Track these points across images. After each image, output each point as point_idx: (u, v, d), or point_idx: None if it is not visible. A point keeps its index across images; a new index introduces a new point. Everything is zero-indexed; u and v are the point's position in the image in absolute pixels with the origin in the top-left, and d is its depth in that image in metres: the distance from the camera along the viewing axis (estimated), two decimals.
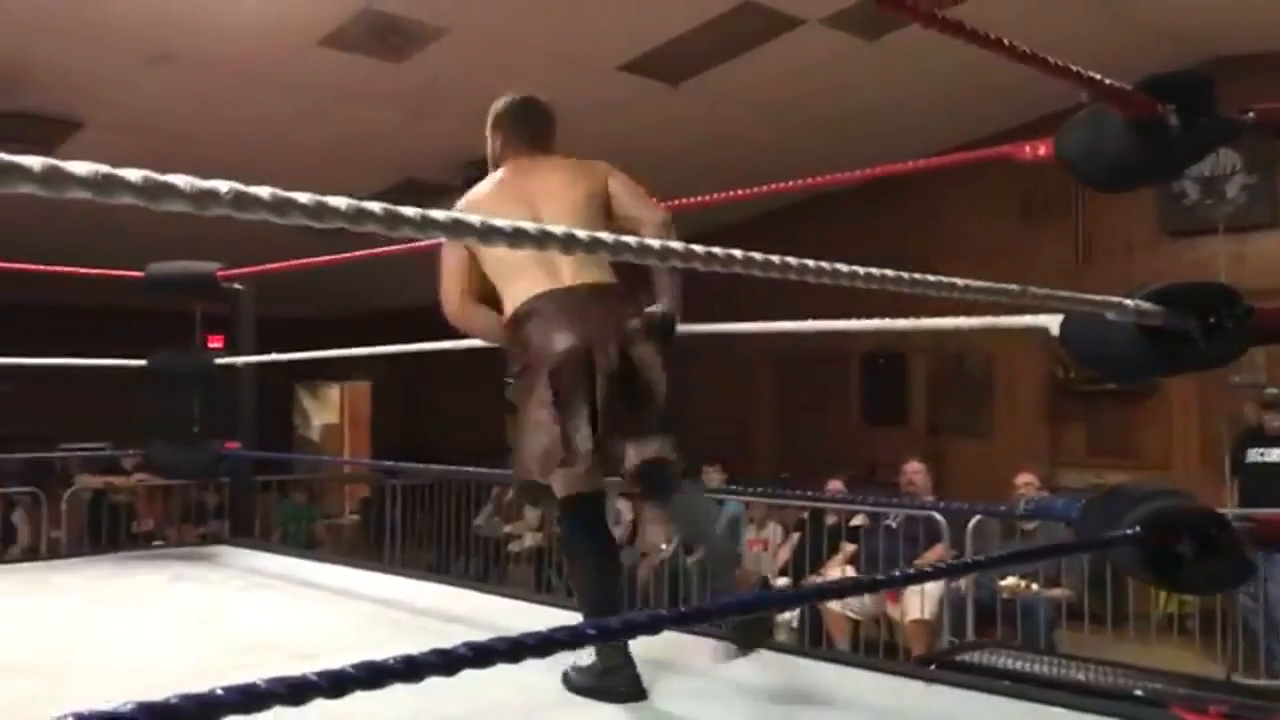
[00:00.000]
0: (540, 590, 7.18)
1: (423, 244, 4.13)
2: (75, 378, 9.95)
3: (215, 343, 6.39)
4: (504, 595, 3.93)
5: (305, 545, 8.50)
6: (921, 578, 3.72)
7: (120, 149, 6.90)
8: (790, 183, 3.19)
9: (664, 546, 7.18)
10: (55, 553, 6.16)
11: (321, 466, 12.94)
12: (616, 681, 2.34)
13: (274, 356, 5.18)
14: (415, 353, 4.76)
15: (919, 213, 8.46)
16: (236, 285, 4.86)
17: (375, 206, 0.95)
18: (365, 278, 10.60)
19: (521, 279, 2.42)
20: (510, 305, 2.44)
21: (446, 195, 8.03)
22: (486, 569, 8.37)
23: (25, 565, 4.63)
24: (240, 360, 4.91)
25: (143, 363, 4.81)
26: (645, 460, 2.32)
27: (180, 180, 0.82)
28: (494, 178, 2.59)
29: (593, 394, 2.29)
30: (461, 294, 2.54)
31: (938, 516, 5.33)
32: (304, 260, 4.48)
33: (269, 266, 4.62)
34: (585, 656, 2.38)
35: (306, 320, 10.90)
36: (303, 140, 7.16)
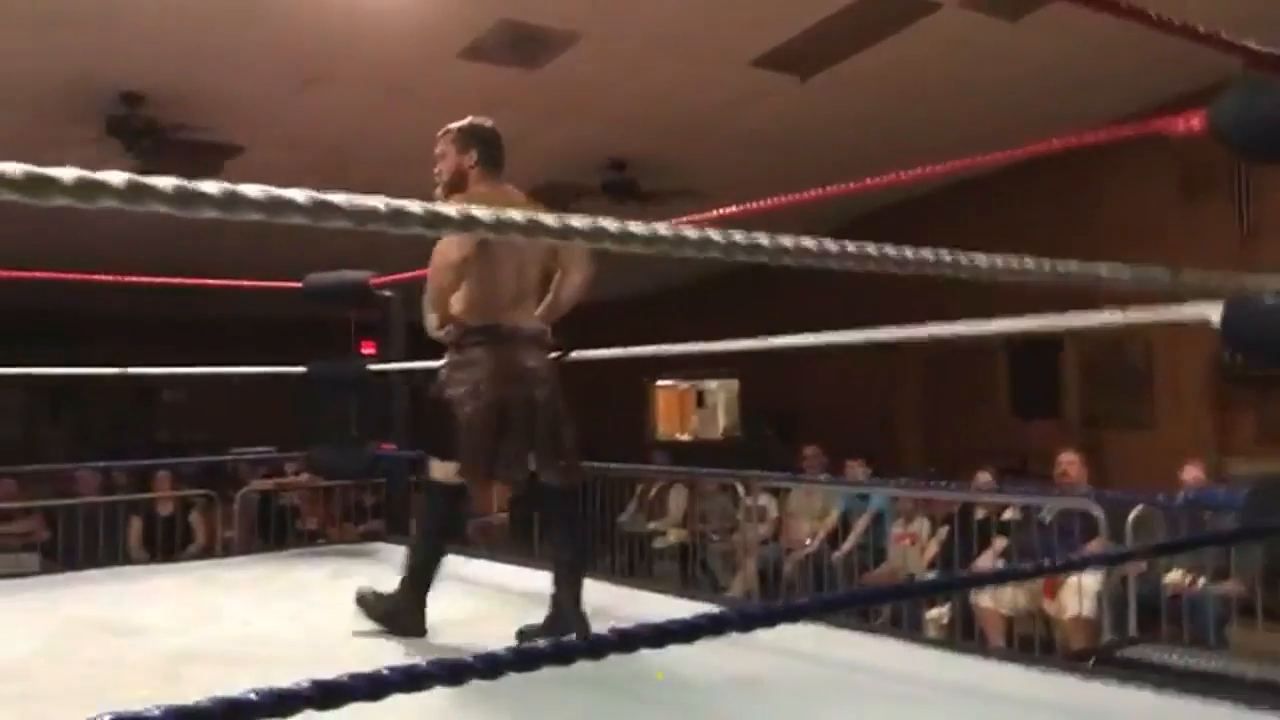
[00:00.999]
0: (686, 585, 7.22)
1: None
2: (242, 386, 10.52)
3: (368, 349, 6.67)
4: (652, 590, 3.98)
5: (459, 542, 8.75)
6: (1069, 568, 3.60)
7: (279, 169, 7.27)
8: (925, 169, 3.12)
9: (808, 542, 7.12)
10: (228, 551, 6.52)
11: None
12: (407, 621, 2.95)
13: (424, 364, 5.36)
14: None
15: (1070, 196, 8.15)
16: (387, 293, 5.06)
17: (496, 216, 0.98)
18: None
19: (493, 302, 2.89)
20: (474, 315, 2.89)
21: (586, 196, 8.22)
22: (632, 565, 8.45)
23: (203, 563, 4.91)
24: (392, 366, 5.11)
25: (302, 369, 5.07)
26: (544, 481, 2.95)
27: (341, 199, 0.88)
28: (479, 192, 2.90)
29: (521, 426, 2.85)
30: (440, 318, 2.93)
31: (1094, 509, 5.11)
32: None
33: (420, 272, 4.79)
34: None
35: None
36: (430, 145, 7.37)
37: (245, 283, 5.40)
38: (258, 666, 2.74)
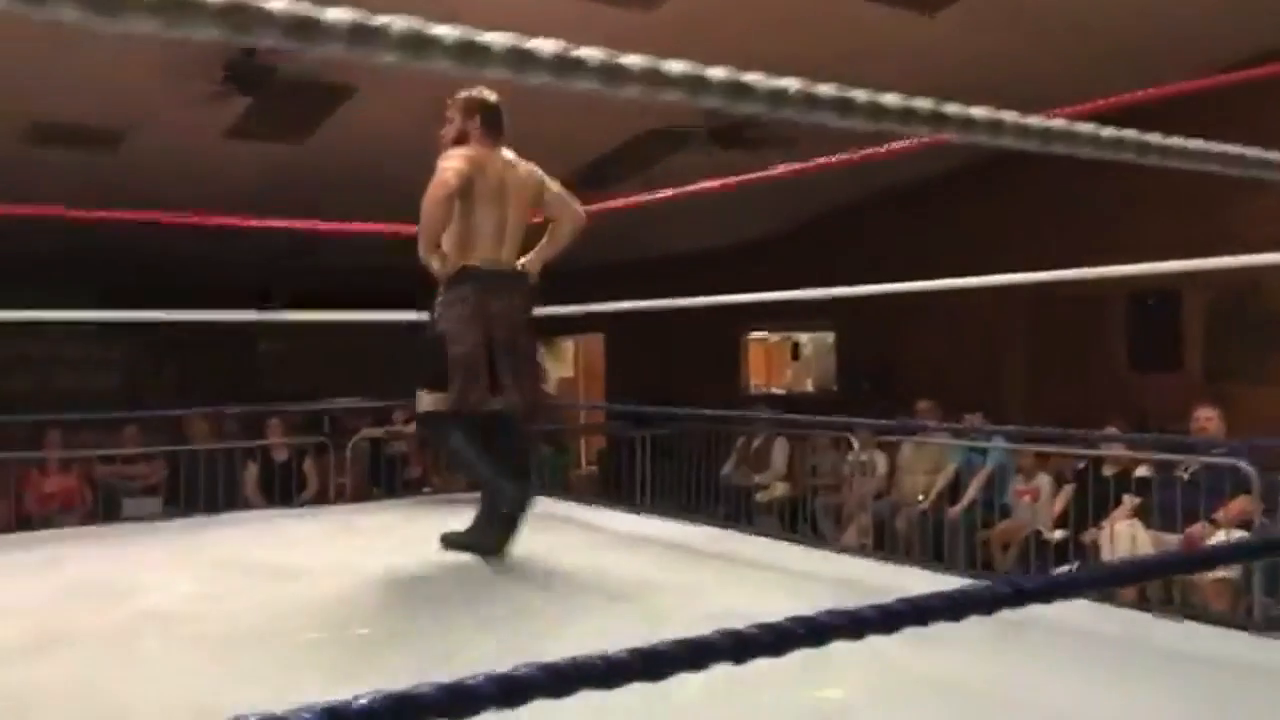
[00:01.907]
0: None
1: (656, 197, 4.13)
2: (337, 336, 10.57)
3: None
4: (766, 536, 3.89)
5: (562, 490, 8.75)
6: None
7: (389, 111, 7.21)
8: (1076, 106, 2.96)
9: (921, 498, 6.96)
10: (342, 497, 6.58)
11: (567, 417, 13.32)
12: (489, 541, 3.23)
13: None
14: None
15: (1221, 134, 7.75)
16: None
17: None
18: (603, 230, 10.71)
19: (477, 242, 3.25)
20: (460, 254, 3.23)
21: (691, 141, 8.03)
22: (732, 518, 8.37)
23: (333, 509, 4.93)
24: None
25: (411, 316, 5.01)
26: (507, 412, 3.30)
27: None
28: (473, 151, 3.30)
29: (501, 361, 3.21)
30: (432, 249, 3.21)
31: (1243, 465, 4.87)
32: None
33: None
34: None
35: (543, 275, 11.15)
36: (548, 90, 7.23)
37: (358, 226, 5.35)
38: (423, 608, 2.69)
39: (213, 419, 7.55)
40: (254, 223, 5.14)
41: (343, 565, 3.33)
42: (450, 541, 3.33)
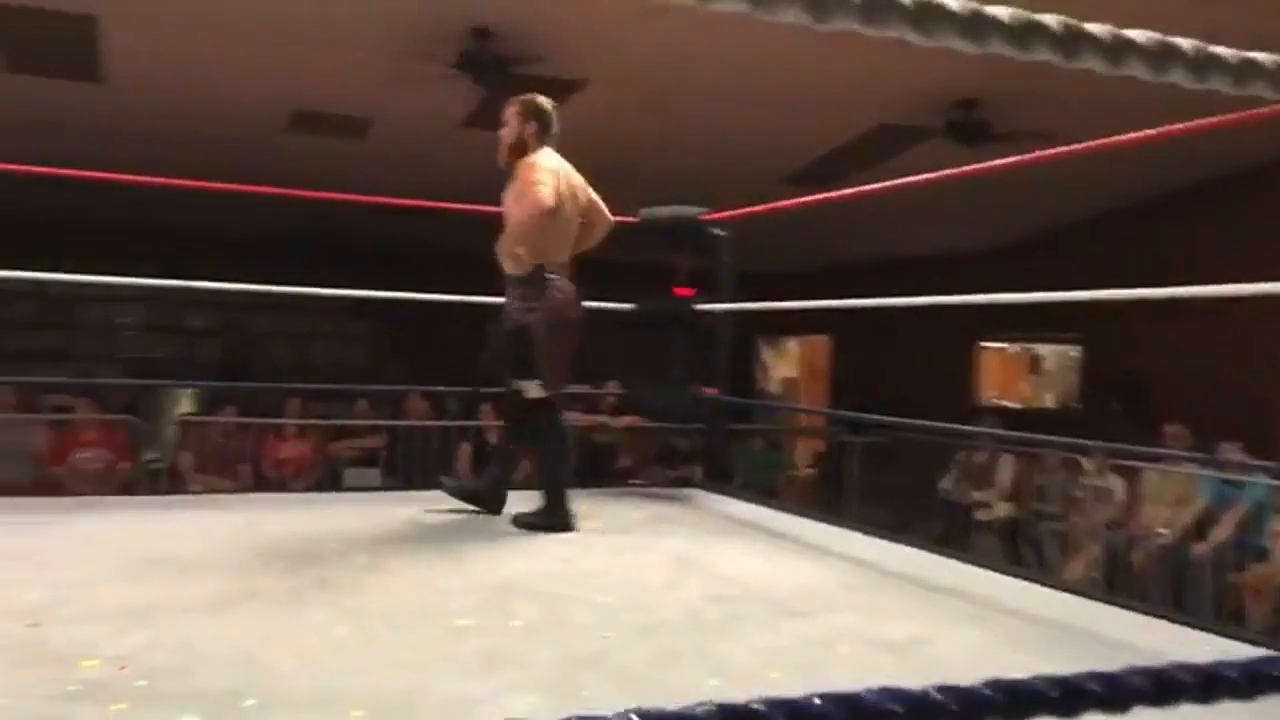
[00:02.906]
0: (1013, 564, 6.63)
1: (891, 185, 3.84)
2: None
3: (685, 293, 6.55)
4: (980, 565, 3.55)
5: (768, 493, 8.57)
6: None
7: (614, 103, 7.26)
8: None
9: (1163, 530, 6.32)
10: None
11: (785, 417, 13.09)
12: (559, 520, 3.59)
13: (753, 305, 5.14)
14: (877, 307, 4.49)
15: None
16: (719, 231, 4.86)
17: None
18: (833, 229, 10.44)
19: (560, 249, 3.64)
20: (545, 257, 3.57)
21: (928, 139, 7.65)
22: (949, 535, 7.92)
23: (525, 494, 4.95)
24: (720, 307, 4.91)
25: (630, 306, 4.99)
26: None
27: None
28: (554, 163, 3.64)
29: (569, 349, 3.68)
30: (529, 254, 3.53)
31: None
32: (789, 201, 4.36)
33: (752, 209, 4.56)
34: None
35: (765, 274, 10.99)
36: (773, 84, 7.07)
37: None
38: (581, 606, 2.61)
39: (432, 398, 7.82)
40: (485, 208, 5.24)
41: (518, 552, 3.31)
42: (524, 522, 3.61)
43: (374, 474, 6.86)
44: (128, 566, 2.82)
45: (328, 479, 6.84)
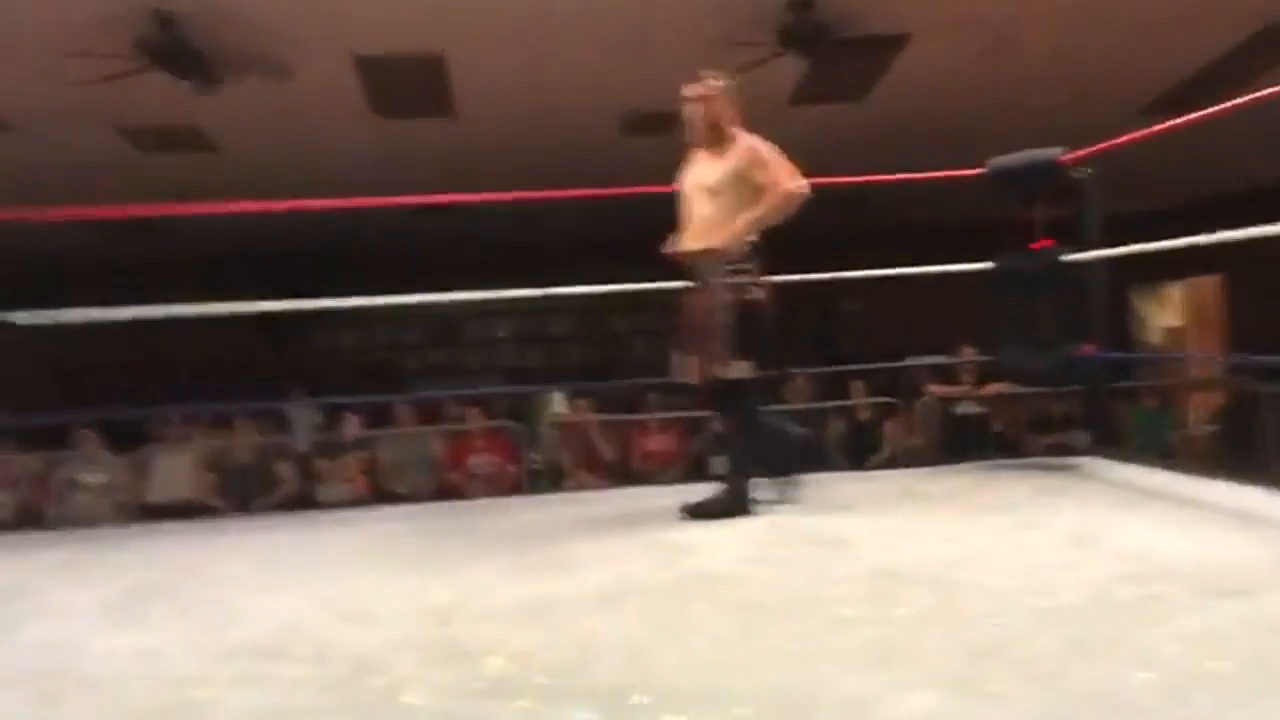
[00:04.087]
0: None
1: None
2: (919, 292, 10.41)
3: (1046, 244, 6.03)
4: None
5: (1161, 456, 7.76)
6: None
7: (947, 54, 6.86)
8: None
9: None
10: (913, 460, 6.40)
11: (1172, 370, 11.87)
12: (739, 505, 3.46)
13: (1124, 250, 4.64)
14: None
15: None
16: (1080, 171, 4.42)
17: None
18: (1210, 155, 9.31)
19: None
20: (751, 228, 3.47)
21: None
22: None
23: (897, 473, 4.77)
24: (1089, 255, 4.47)
25: (988, 265, 4.65)
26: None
27: None
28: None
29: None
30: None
31: None
32: (1161, 126, 3.86)
33: (1116, 141, 4.09)
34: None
35: (1139, 214, 9.96)
36: (1131, 4, 6.36)
37: (925, 175, 5.08)
38: (971, 591, 2.42)
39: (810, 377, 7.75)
40: (826, 180, 5.10)
41: (900, 534, 3.15)
42: (705, 513, 3.44)
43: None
44: (523, 565, 2.97)
45: (693, 469, 6.97)
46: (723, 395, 3.56)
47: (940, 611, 2.28)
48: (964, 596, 2.39)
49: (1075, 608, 2.25)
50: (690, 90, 3.65)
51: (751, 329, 3.44)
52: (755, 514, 3.45)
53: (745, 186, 3.48)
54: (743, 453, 3.59)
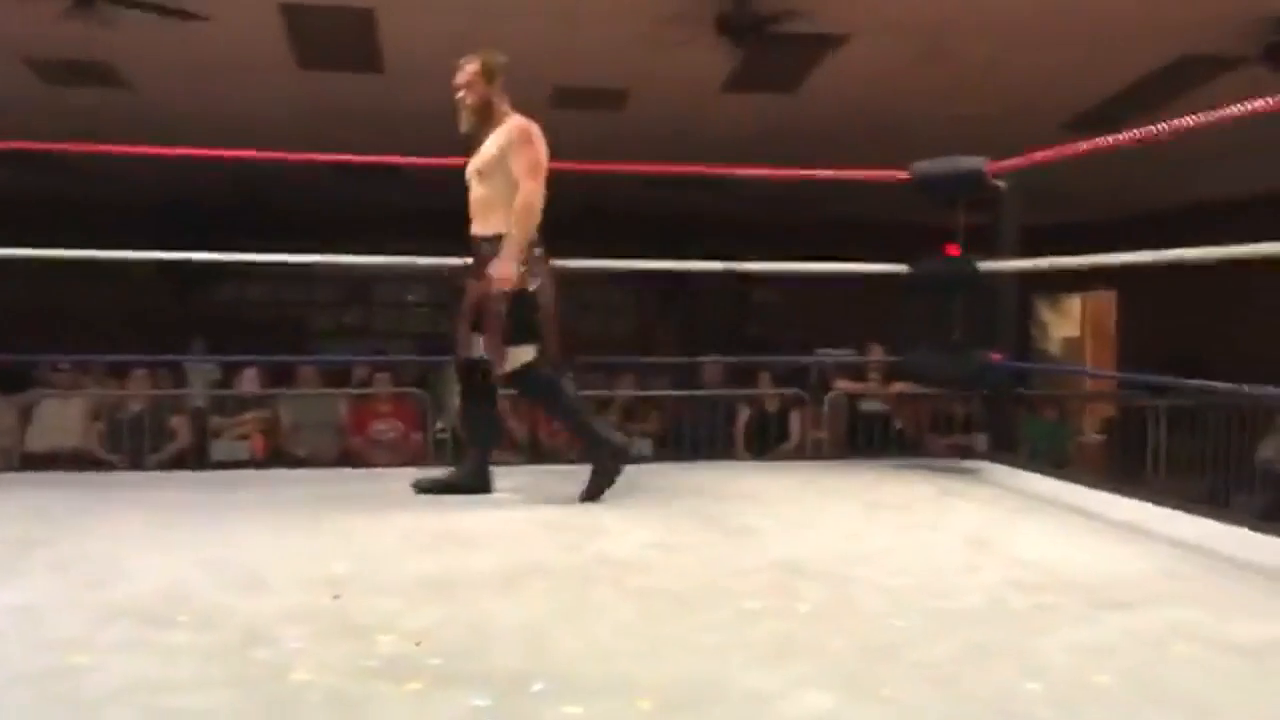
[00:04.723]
0: None
1: (1212, 118, 3.35)
2: (830, 288, 10.56)
3: (954, 252, 6.15)
4: None
5: (1056, 465, 8.01)
6: None
7: (884, 55, 6.91)
8: None
9: None
10: (819, 453, 6.49)
11: (1068, 381, 12.25)
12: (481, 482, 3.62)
13: (1039, 262, 4.76)
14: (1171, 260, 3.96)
15: None
16: (999, 183, 4.50)
17: None
18: (1119, 175, 9.60)
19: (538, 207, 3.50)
20: (517, 244, 3.43)
21: (1237, 69, 6.81)
22: (1272, 510, 7.09)
23: (802, 464, 4.82)
24: (1006, 265, 4.55)
25: (904, 268, 4.71)
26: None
27: None
28: (532, 124, 3.56)
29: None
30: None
31: None
32: (1086, 144, 3.94)
33: (1039, 155, 4.17)
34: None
35: (1046, 227, 10.23)
36: (1056, 22, 6.49)
37: (847, 173, 5.14)
38: (872, 589, 2.44)
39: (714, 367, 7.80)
40: (749, 171, 5.10)
41: (803, 526, 3.18)
42: (433, 487, 3.57)
43: (646, 445, 6.91)
44: (422, 538, 2.91)
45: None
46: (515, 382, 3.58)
47: (841, 608, 2.30)
48: (865, 594, 2.41)
49: (972, 612, 2.28)
50: (457, 78, 3.59)
51: (527, 316, 3.43)
52: (494, 490, 3.58)
53: (508, 168, 3.47)
54: (483, 430, 3.71)
